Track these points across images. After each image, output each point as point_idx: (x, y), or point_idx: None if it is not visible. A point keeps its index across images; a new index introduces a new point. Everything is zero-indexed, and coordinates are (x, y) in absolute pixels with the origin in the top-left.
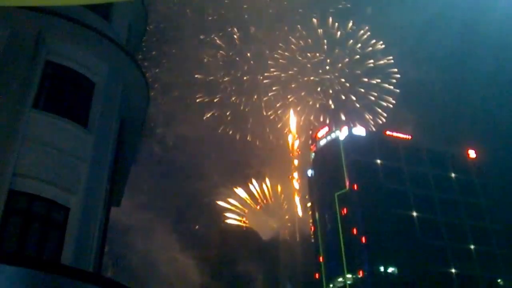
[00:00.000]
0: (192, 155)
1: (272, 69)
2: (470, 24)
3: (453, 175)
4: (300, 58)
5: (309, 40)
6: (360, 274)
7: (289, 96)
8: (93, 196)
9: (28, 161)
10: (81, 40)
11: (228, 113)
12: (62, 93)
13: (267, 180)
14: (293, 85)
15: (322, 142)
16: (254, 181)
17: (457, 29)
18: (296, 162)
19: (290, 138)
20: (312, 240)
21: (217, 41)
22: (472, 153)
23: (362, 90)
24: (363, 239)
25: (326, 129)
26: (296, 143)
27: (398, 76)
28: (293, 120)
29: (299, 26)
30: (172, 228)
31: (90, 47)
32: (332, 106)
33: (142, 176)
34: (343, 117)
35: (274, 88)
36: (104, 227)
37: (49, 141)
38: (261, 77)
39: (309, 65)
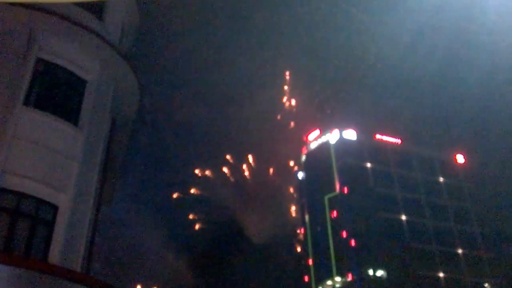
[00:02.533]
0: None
1: None
2: (462, 29)
3: (441, 179)
4: None
5: None
6: (349, 277)
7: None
8: (83, 195)
9: (17, 158)
10: (73, 38)
11: None
12: (53, 91)
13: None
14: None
15: (313, 145)
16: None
17: (450, 33)
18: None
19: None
20: (301, 242)
21: None
22: (460, 158)
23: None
24: (353, 242)
25: (317, 132)
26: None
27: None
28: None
29: None
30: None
31: (82, 46)
32: (324, 109)
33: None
34: (334, 120)
35: None
36: (94, 227)
37: (39, 139)
38: None
39: None
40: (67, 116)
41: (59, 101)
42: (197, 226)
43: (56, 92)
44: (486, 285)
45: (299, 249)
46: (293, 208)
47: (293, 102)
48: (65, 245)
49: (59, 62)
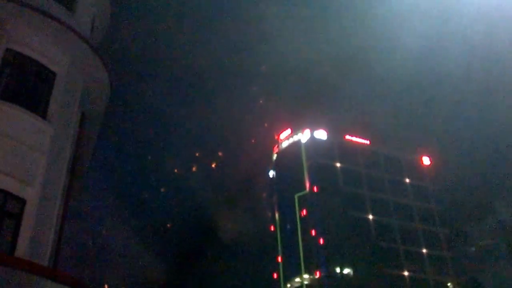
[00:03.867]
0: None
1: None
2: (436, 29)
3: (407, 180)
4: None
5: None
6: (317, 275)
7: None
8: (51, 188)
9: None
10: (43, 30)
11: None
12: (22, 82)
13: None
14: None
15: (284, 144)
16: None
17: (424, 36)
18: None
19: None
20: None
21: None
22: (426, 160)
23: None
24: (321, 240)
25: (288, 131)
26: None
27: None
28: None
29: None
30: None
31: (52, 37)
32: (296, 109)
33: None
34: (306, 120)
35: None
36: (62, 221)
37: (6, 131)
38: None
39: None
40: (35, 108)
41: (27, 93)
42: (167, 224)
43: (24, 84)
44: (448, 284)
45: (269, 247)
46: (264, 206)
47: (267, 100)
48: (32, 239)
49: (28, 53)
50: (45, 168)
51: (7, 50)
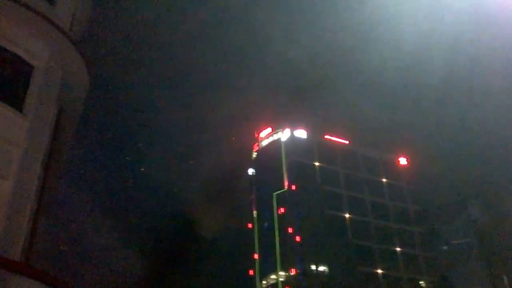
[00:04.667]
0: None
1: None
2: (424, 30)
3: (384, 180)
4: None
5: None
6: (293, 272)
7: None
8: (25, 182)
9: None
10: (22, 22)
11: None
12: None
13: None
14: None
15: (264, 143)
16: None
17: (410, 35)
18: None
19: None
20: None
21: None
22: (403, 161)
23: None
24: (298, 238)
25: (269, 130)
26: None
27: None
28: None
29: None
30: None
31: (30, 30)
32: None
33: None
34: (286, 119)
35: None
36: (35, 217)
37: None
38: None
39: None
40: (11, 101)
41: (3, 86)
42: (145, 221)
43: (1, 77)
44: (421, 282)
45: (246, 244)
46: (242, 204)
47: (248, 98)
48: (4, 234)
49: (6, 45)
50: (19, 161)
51: None
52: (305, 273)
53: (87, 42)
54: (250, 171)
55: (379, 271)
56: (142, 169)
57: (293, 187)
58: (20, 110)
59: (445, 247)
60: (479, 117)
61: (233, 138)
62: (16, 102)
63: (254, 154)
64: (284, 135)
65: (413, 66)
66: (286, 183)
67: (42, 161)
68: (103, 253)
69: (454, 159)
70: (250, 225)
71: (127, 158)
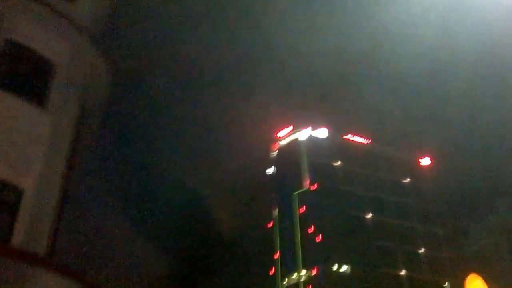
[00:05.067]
0: None
1: None
2: (448, 28)
3: (407, 180)
4: None
5: None
6: (314, 271)
7: None
8: (49, 179)
9: None
10: (43, 21)
11: None
12: (21, 73)
13: None
14: None
15: (284, 141)
16: None
17: (438, 33)
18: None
19: None
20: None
21: None
22: (426, 160)
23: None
24: (319, 238)
25: (289, 128)
26: None
27: None
28: None
29: None
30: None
31: (52, 28)
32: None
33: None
34: (307, 118)
35: None
36: (60, 211)
37: (4, 121)
38: None
39: None
40: (34, 99)
41: (26, 84)
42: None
43: (24, 74)
44: (445, 284)
45: (266, 243)
46: (262, 203)
47: (268, 96)
48: (28, 230)
49: (28, 43)
50: (43, 158)
51: (7, 40)
52: (327, 272)
53: (107, 39)
54: (270, 170)
55: (402, 272)
56: (161, 168)
57: (314, 187)
58: (43, 107)
59: (474, 247)
60: (510, 114)
61: (253, 137)
62: (40, 99)
63: (274, 153)
64: (304, 134)
65: (439, 64)
66: (306, 183)
67: (65, 157)
68: (125, 249)
69: (481, 158)
70: (269, 225)
71: (147, 156)
